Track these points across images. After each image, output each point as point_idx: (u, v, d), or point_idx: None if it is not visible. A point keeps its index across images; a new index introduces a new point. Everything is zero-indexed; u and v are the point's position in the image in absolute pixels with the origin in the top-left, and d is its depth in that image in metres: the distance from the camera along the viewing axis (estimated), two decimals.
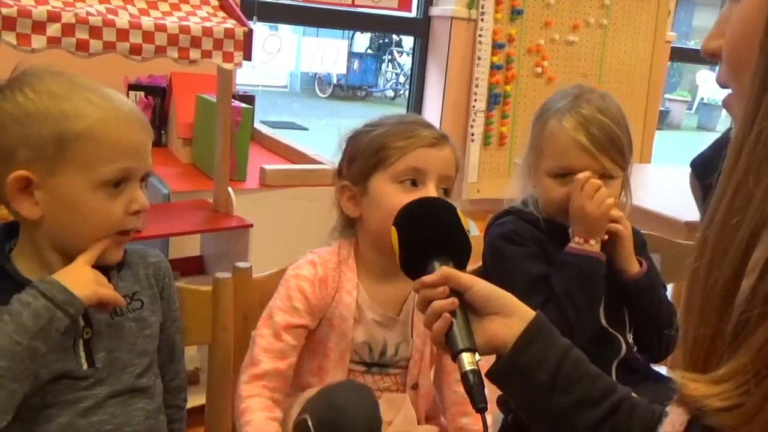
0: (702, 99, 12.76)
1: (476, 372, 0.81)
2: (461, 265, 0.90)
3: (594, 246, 1.29)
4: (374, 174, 1.13)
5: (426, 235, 0.91)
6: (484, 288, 0.86)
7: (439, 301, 0.84)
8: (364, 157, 1.14)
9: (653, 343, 1.37)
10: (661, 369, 1.45)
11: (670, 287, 1.70)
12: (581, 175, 1.28)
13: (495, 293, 0.86)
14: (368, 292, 1.15)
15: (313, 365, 1.14)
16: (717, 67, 0.64)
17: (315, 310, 1.13)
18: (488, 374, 0.83)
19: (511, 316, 0.84)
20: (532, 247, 1.32)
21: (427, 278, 0.86)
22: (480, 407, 0.79)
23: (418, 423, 1.18)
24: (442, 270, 0.87)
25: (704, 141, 1.80)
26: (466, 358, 0.81)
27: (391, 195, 1.11)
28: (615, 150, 1.30)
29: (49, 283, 0.91)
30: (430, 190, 1.11)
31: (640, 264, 1.35)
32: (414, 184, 1.11)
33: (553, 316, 1.23)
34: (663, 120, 9.73)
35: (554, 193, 1.32)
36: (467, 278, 0.86)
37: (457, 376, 1.14)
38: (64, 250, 0.97)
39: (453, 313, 0.84)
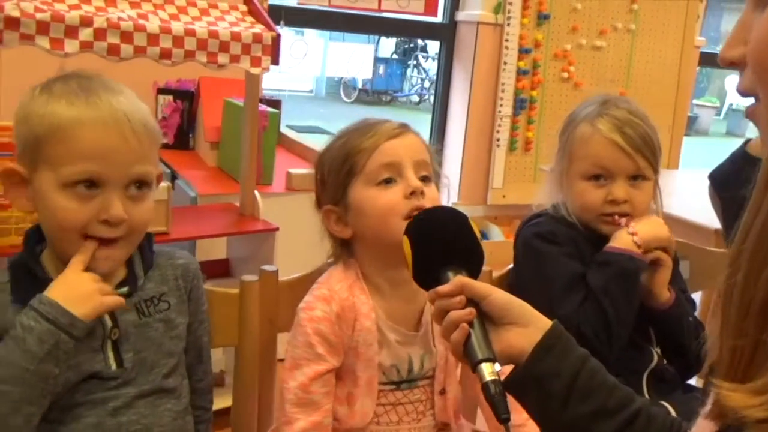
0: (731, 105, 12.59)
1: (497, 382, 0.79)
2: (475, 274, 0.89)
3: (640, 251, 1.29)
4: (350, 185, 1.10)
5: (438, 244, 0.89)
6: (501, 297, 0.85)
7: (456, 312, 0.83)
8: (334, 173, 1.11)
9: (680, 362, 1.37)
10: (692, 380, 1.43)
11: (698, 295, 1.68)
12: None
13: (512, 303, 0.85)
14: (385, 311, 1.11)
15: (341, 394, 1.11)
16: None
17: (338, 347, 1.09)
18: (505, 384, 0.81)
19: (528, 325, 0.83)
20: (567, 246, 1.33)
21: (442, 288, 0.85)
22: (503, 418, 0.78)
23: (448, 425, 1.17)
24: (458, 279, 0.86)
25: (732, 147, 1.77)
26: (485, 368, 0.80)
27: (373, 198, 1.08)
28: (648, 150, 1.32)
29: (49, 305, 0.91)
30: (410, 180, 1.07)
31: (669, 290, 1.35)
32: (391, 180, 1.08)
33: (591, 315, 1.23)
34: (691, 126, 9.62)
35: (589, 196, 1.33)
36: (483, 287, 0.85)
37: None
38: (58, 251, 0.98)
39: (470, 324, 0.83)
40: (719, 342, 0.55)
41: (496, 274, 1.40)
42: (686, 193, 2.69)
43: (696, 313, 1.44)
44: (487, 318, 0.84)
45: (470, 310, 0.83)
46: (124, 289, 1.01)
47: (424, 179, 1.10)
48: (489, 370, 0.80)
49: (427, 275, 0.89)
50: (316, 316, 1.08)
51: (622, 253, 1.28)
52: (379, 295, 1.12)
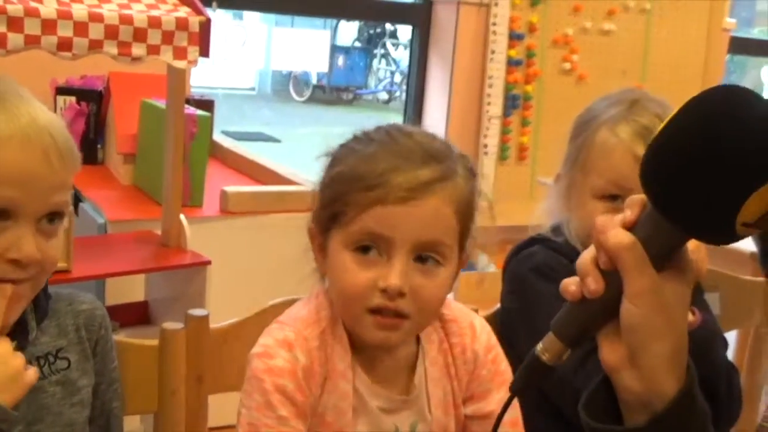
0: None
1: (541, 363, 0.77)
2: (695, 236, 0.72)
3: None
4: (331, 230, 1.04)
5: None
6: (634, 313, 0.72)
7: (589, 276, 0.72)
8: (321, 205, 1.06)
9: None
10: None
11: (732, 335, 1.70)
12: None
13: (650, 332, 0.73)
14: (366, 370, 1.07)
15: None
16: None
17: (305, 409, 1.04)
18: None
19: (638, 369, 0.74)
20: None
21: (604, 223, 0.72)
22: (511, 390, 0.80)
23: None
24: (622, 238, 0.70)
25: None
26: (550, 340, 0.77)
27: (342, 268, 1.02)
28: None
29: None
30: (392, 272, 0.99)
31: (692, 312, 1.36)
32: (371, 250, 1.01)
33: (596, 377, 1.23)
34: None
35: None
36: (632, 282, 0.71)
37: None
38: None
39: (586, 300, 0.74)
40: None
41: (482, 313, 1.40)
42: None
43: (729, 356, 1.46)
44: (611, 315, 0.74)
45: (597, 286, 0.72)
46: (12, 343, 0.99)
47: (426, 261, 1.02)
48: (551, 345, 0.77)
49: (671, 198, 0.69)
50: (277, 368, 1.03)
51: None
52: (361, 348, 1.08)
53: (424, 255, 1.02)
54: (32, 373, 0.96)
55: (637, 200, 0.73)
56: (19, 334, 1.01)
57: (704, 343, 1.36)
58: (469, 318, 1.17)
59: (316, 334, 1.06)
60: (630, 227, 0.72)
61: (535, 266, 1.36)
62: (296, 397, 1.03)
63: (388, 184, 0.99)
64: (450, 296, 1.11)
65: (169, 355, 1.22)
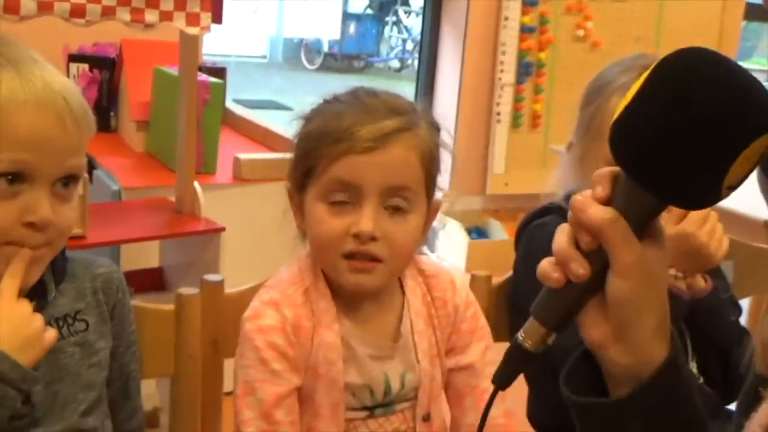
0: None
1: (524, 351, 0.75)
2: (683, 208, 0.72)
3: (682, 282, 1.32)
4: (306, 186, 1.10)
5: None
6: (622, 287, 0.71)
7: (573, 261, 0.71)
8: (295, 162, 1.13)
9: (720, 377, 1.39)
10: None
11: (745, 302, 1.70)
12: (704, 213, 1.30)
13: (638, 306, 0.72)
14: (352, 320, 1.12)
15: (300, 429, 1.12)
16: None
17: (297, 363, 1.09)
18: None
19: (629, 343, 0.73)
20: None
21: (581, 204, 0.71)
22: (498, 382, 0.78)
23: None
24: (602, 213, 0.69)
25: None
26: (532, 327, 0.75)
27: (317, 219, 1.08)
28: None
29: None
30: (363, 218, 1.05)
31: (704, 280, 1.37)
32: (346, 203, 1.07)
33: None
34: None
35: None
36: (620, 255, 0.70)
37: (476, 398, 1.16)
38: None
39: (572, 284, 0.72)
40: None
41: (496, 280, 1.41)
42: None
43: (742, 322, 1.47)
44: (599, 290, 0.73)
45: (583, 270, 0.71)
46: (31, 304, 1.01)
47: (395, 210, 1.08)
48: (534, 332, 0.75)
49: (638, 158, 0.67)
50: (267, 326, 1.09)
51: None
52: (346, 301, 1.13)
53: (392, 201, 1.08)
54: (51, 335, 0.98)
55: (605, 174, 0.72)
56: (38, 295, 1.02)
57: (715, 310, 1.37)
58: (450, 275, 1.22)
59: (300, 292, 1.12)
60: (605, 202, 0.70)
61: (549, 238, 1.36)
62: (287, 352, 1.09)
63: (353, 136, 1.06)
64: (433, 255, 1.14)
65: (185, 320, 1.23)
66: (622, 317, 0.72)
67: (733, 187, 0.66)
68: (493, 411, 1.14)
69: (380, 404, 1.14)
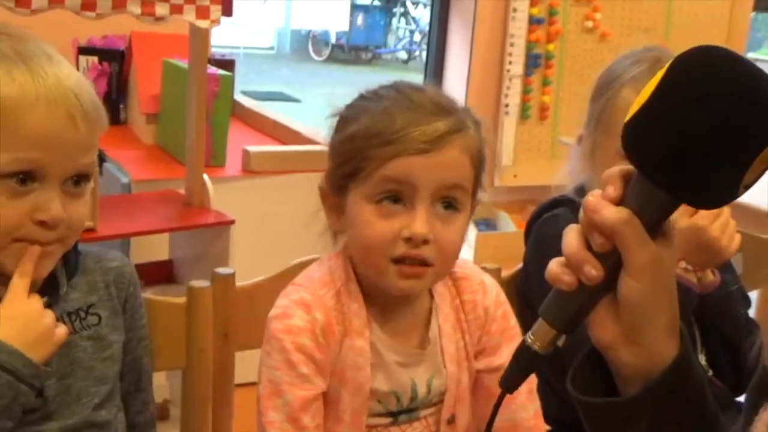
0: None
1: (533, 353, 0.74)
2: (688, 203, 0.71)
3: (693, 276, 1.32)
4: (350, 186, 1.06)
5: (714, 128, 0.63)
6: (636, 287, 0.70)
7: (586, 264, 0.70)
8: (337, 163, 1.08)
9: (730, 371, 1.39)
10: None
11: (753, 294, 1.70)
12: (718, 211, 1.30)
13: (651, 306, 0.72)
14: (381, 325, 1.10)
15: None
16: None
17: (325, 367, 1.07)
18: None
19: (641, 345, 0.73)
20: None
21: (594, 205, 0.70)
22: (501, 385, 0.78)
23: None
24: (616, 213, 0.68)
25: None
26: (541, 329, 0.74)
27: (364, 220, 1.04)
28: None
29: (8, 353, 0.93)
30: (417, 221, 1.02)
31: (712, 273, 1.37)
32: (397, 199, 1.03)
33: None
34: None
35: None
36: (634, 255, 0.69)
37: (507, 402, 1.13)
38: None
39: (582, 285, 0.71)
40: None
41: (505, 273, 1.41)
42: None
43: (751, 314, 1.47)
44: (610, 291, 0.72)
45: (597, 273, 0.70)
46: (42, 299, 1.01)
47: (448, 207, 1.05)
48: (543, 334, 0.74)
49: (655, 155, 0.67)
50: (296, 327, 1.06)
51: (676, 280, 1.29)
52: (376, 305, 1.11)
53: (444, 201, 1.05)
54: (62, 331, 0.98)
55: (616, 173, 0.71)
56: (49, 289, 1.02)
57: (724, 303, 1.37)
58: (480, 276, 1.20)
59: (331, 294, 1.09)
60: (617, 202, 0.70)
61: (559, 231, 1.36)
62: (316, 355, 1.06)
63: (406, 138, 1.02)
64: (461, 256, 1.13)
65: (196, 313, 1.23)
66: (635, 318, 0.72)
67: (749, 186, 0.66)
68: (524, 413, 1.15)
69: (405, 410, 1.12)
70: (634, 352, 0.73)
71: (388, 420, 1.12)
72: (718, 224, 1.29)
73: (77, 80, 0.98)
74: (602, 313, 0.73)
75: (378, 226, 1.03)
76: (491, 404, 1.16)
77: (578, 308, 0.73)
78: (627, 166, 0.70)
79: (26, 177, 0.94)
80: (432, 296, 1.14)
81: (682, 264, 1.30)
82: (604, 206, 0.70)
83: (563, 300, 0.73)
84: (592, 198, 0.71)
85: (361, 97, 1.10)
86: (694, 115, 0.63)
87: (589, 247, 0.71)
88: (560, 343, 0.74)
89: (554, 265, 0.73)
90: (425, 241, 1.02)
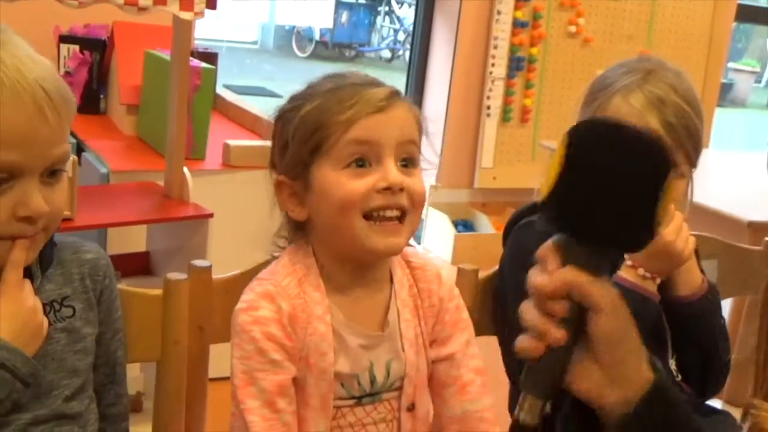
0: None
1: (526, 427, 0.79)
2: (625, 252, 0.83)
3: (651, 284, 1.32)
4: (314, 163, 1.10)
5: (614, 199, 0.75)
6: (612, 326, 0.78)
7: (550, 329, 0.78)
8: (298, 142, 1.12)
9: (700, 377, 1.40)
10: (714, 402, 1.46)
11: (727, 303, 1.71)
12: (671, 216, 1.30)
13: (624, 340, 0.79)
14: (343, 310, 1.13)
15: None
16: None
17: (294, 353, 1.10)
18: None
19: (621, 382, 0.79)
20: None
21: (541, 282, 0.78)
22: None
23: None
24: (564, 274, 0.77)
25: None
26: (527, 402, 0.79)
27: (336, 183, 1.08)
28: (692, 144, 1.32)
29: (8, 351, 0.94)
30: (388, 171, 1.08)
31: (702, 280, 1.38)
32: (364, 163, 1.09)
33: None
34: (725, 95, 9.74)
35: None
36: (599, 296, 0.77)
37: (457, 389, 1.18)
38: None
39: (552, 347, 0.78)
40: (758, 356, 0.57)
41: (482, 274, 1.42)
42: (716, 178, 2.74)
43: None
44: (582, 336, 0.79)
45: (561, 335, 0.77)
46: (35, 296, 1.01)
47: (408, 163, 1.12)
48: (530, 408, 0.79)
49: (571, 220, 0.78)
50: (263, 317, 1.09)
51: (634, 290, 1.29)
52: (338, 291, 1.14)
53: (403, 160, 1.11)
54: (46, 325, 0.99)
55: (549, 248, 0.79)
56: None
57: (707, 312, 1.38)
58: (436, 267, 1.24)
59: (294, 283, 1.13)
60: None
61: (535, 237, 1.36)
62: (285, 343, 1.10)
63: (362, 100, 1.10)
64: (419, 247, 1.16)
65: (172, 305, 1.23)
66: (615, 352, 0.79)
67: (661, 223, 0.76)
68: (477, 404, 1.18)
69: (367, 394, 1.15)
70: (615, 389, 0.79)
71: (352, 402, 1.15)
72: (671, 228, 1.29)
73: (41, 71, 0.95)
74: (579, 368, 0.80)
75: (351, 184, 1.08)
76: (442, 395, 1.21)
77: (554, 371, 0.79)
78: (554, 240, 0.79)
79: (2, 178, 0.93)
80: (392, 281, 1.18)
81: (641, 271, 1.31)
82: (551, 275, 0.77)
83: (540, 369, 0.79)
84: (538, 276, 0.79)
85: (306, 86, 1.16)
86: (600, 181, 0.75)
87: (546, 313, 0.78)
88: (547, 408, 0.80)
89: (521, 341, 0.79)
90: (401, 189, 1.08)
